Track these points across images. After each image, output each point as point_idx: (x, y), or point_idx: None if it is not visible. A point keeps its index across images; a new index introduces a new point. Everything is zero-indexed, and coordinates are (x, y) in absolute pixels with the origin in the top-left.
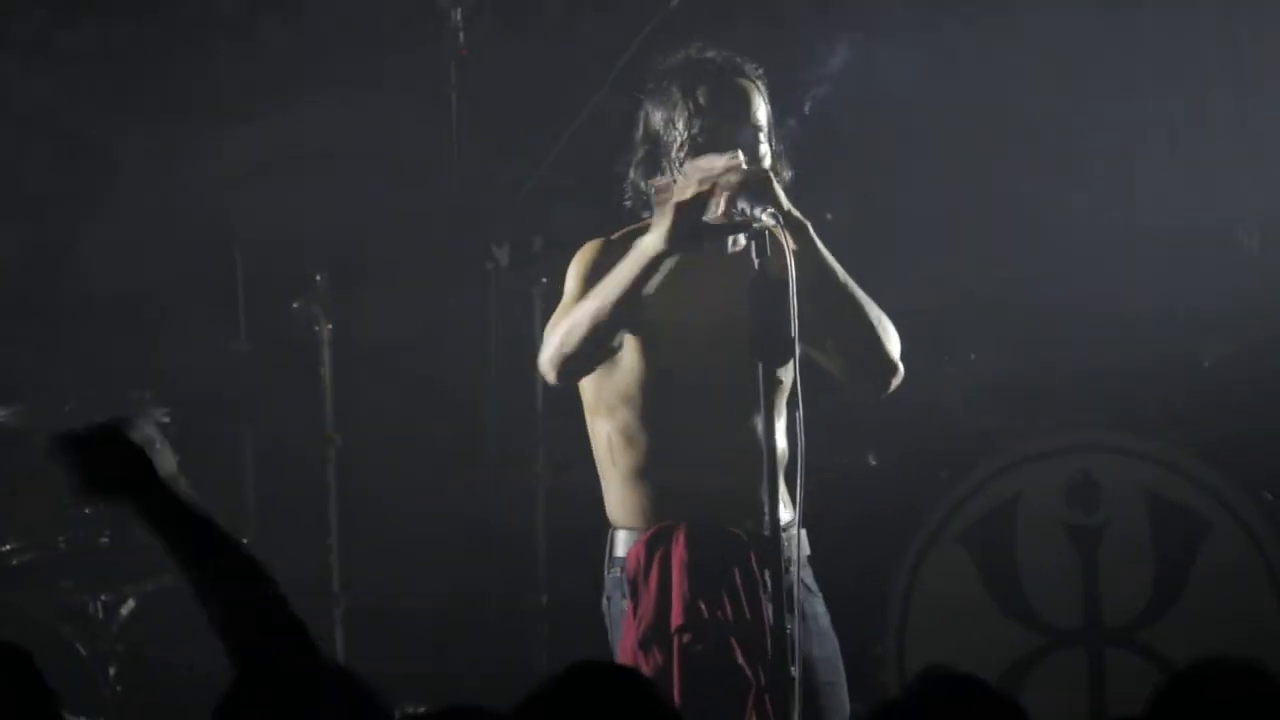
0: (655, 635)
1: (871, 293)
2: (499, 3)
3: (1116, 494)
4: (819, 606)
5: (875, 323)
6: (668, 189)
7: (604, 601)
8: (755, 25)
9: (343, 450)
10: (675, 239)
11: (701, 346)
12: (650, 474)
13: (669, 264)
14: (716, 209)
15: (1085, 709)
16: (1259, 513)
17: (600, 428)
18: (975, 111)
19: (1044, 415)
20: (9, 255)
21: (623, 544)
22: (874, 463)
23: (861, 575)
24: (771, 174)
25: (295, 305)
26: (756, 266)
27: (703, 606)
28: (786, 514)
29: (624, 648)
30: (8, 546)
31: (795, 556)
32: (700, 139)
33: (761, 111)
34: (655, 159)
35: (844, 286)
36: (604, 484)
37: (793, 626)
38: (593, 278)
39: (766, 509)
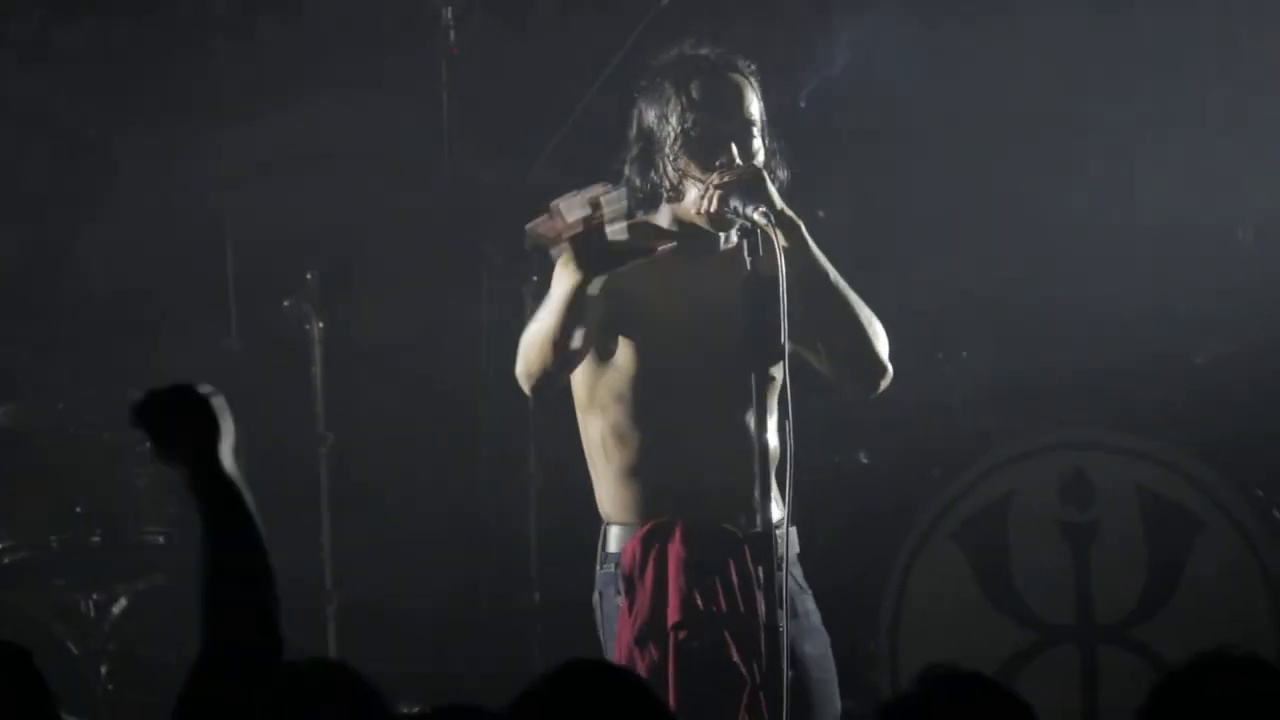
0: (651, 631)
1: (867, 291)
2: (490, 1)
3: (1109, 492)
4: (810, 604)
5: (865, 323)
6: (545, 225)
7: (595, 597)
8: (751, 23)
9: (334, 448)
10: (585, 268)
11: (693, 344)
12: (643, 471)
13: (598, 284)
14: (709, 206)
15: (1078, 706)
16: (1252, 511)
17: (592, 425)
18: (973, 110)
19: (1038, 414)
20: (4, 255)
21: (616, 540)
22: (867, 461)
23: (854, 573)
24: (765, 172)
25: (286, 303)
26: (748, 265)
27: (699, 603)
28: (778, 512)
29: (619, 644)
30: (0, 545)
31: (785, 554)
32: (693, 133)
33: (755, 107)
34: (649, 155)
35: (835, 286)
36: (595, 480)
37: (784, 624)
38: None
39: (759, 506)
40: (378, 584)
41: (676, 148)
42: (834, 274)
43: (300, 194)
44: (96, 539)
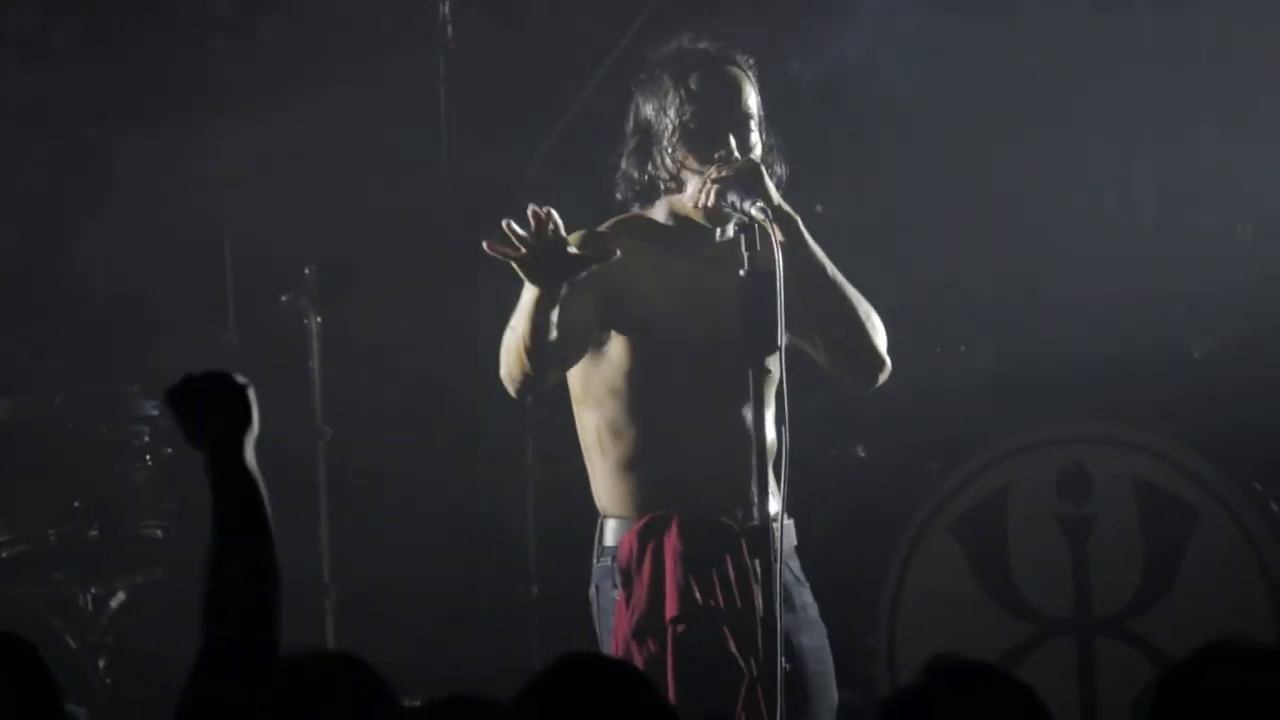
0: (649, 625)
1: (865, 285)
2: None
3: (1107, 485)
4: (807, 596)
5: (863, 317)
6: (493, 247)
7: (592, 590)
8: (748, 18)
9: (332, 443)
10: (535, 284)
11: (688, 338)
12: (640, 464)
13: (582, 284)
14: (707, 200)
15: (1075, 698)
16: (1249, 504)
17: (588, 419)
18: (972, 105)
19: (1036, 407)
20: (2, 251)
21: (613, 533)
22: (864, 455)
23: (852, 566)
24: (762, 166)
25: (284, 298)
26: (745, 259)
27: (697, 596)
28: (775, 505)
29: (616, 637)
30: None
31: (780, 547)
32: (692, 125)
33: (753, 100)
34: (647, 148)
35: (832, 280)
36: (591, 473)
37: (780, 617)
38: None
39: (756, 499)
40: (376, 578)
41: (674, 140)
42: (831, 268)
43: (298, 190)
44: (94, 533)
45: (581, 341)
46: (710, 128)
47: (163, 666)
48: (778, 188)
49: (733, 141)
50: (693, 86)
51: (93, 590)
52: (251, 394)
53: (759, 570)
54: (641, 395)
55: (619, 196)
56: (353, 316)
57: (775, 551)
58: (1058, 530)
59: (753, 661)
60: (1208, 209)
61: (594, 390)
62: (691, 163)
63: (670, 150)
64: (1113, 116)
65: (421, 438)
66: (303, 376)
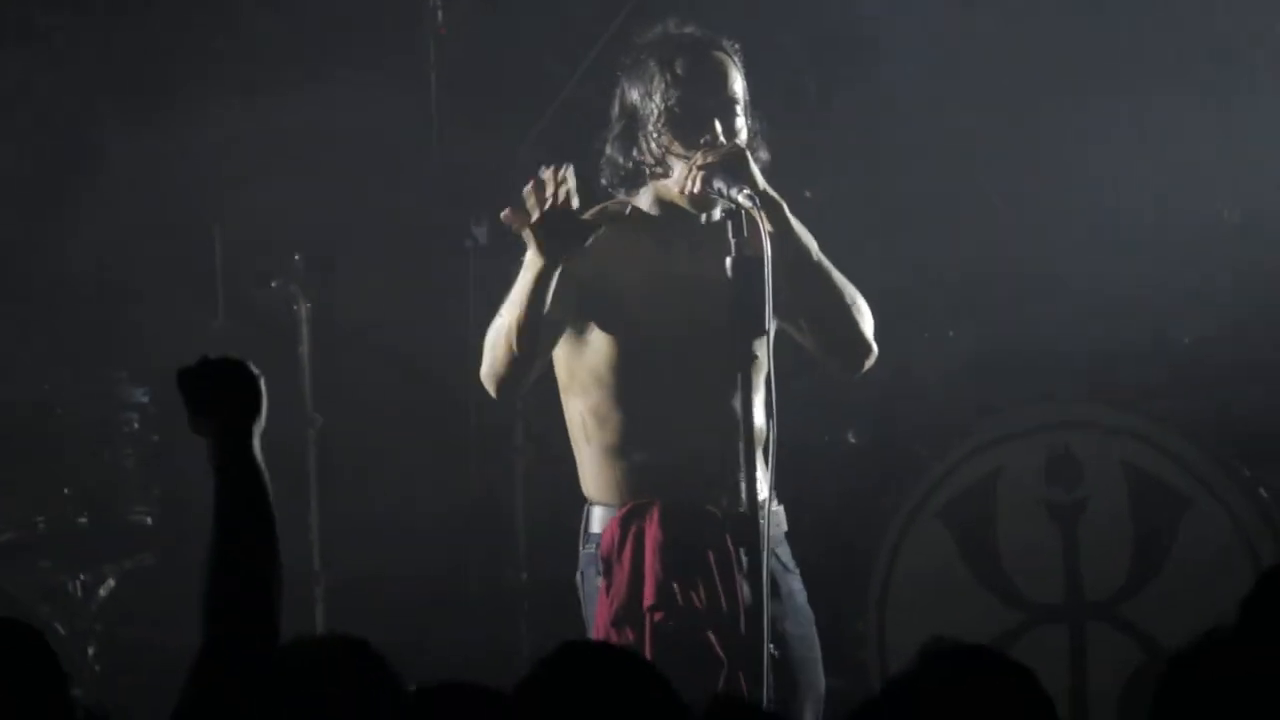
0: (628, 613)
1: (851, 271)
2: None
3: (1097, 470)
4: (794, 584)
5: (850, 302)
6: (510, 215)
7: (578, 577)
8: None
9: (322, 429)
10: (549, 250)
11: (673, 323)
12: (625, 451)
13: (569, 269)
14: (693, 187)
15: (1067, 683)
16: (1238, 489)
17: (574, 406)
18: (960, 90)
19: (1024, 392)
20: None
21: (598, 520)
22: (854, 440)
23: (842, 553)
24: (747, 152)
25: (273, 284)
26: (732, 245)
27: (675, 585)
28: (762, 491)
29: (597, 624)
30: None
31: (766, 533)
32: (677, 110)
33: (738, 85)
34: (632, 133)
35: (819, 265)
36: (578, 460)
37: (767, 603)
38: None
39: (744, 486)
40: (366, 564)
41: (660, 124)
42: (817, 253)
43: (287, 176)
44: (83, 520)
45: (552, 336)
46: (696, 113)
47: (152, 653)
48: (762, 172)
49: (718, 126)
50: (678, 71)
51: (82, 577)
52: (263, 385)
53: (743, 557)
54: (626, 382)
55: (604, 182)
56: (342, 302)
57: (763, 538)
58: (1047, 516)
59: (733, 650)
60: (1195, 195)
61: (580, 377)
62: (677, 148)
63: (656, 135)
64: (1098, 103)
65: (411, 424)
66: (292, 363)
